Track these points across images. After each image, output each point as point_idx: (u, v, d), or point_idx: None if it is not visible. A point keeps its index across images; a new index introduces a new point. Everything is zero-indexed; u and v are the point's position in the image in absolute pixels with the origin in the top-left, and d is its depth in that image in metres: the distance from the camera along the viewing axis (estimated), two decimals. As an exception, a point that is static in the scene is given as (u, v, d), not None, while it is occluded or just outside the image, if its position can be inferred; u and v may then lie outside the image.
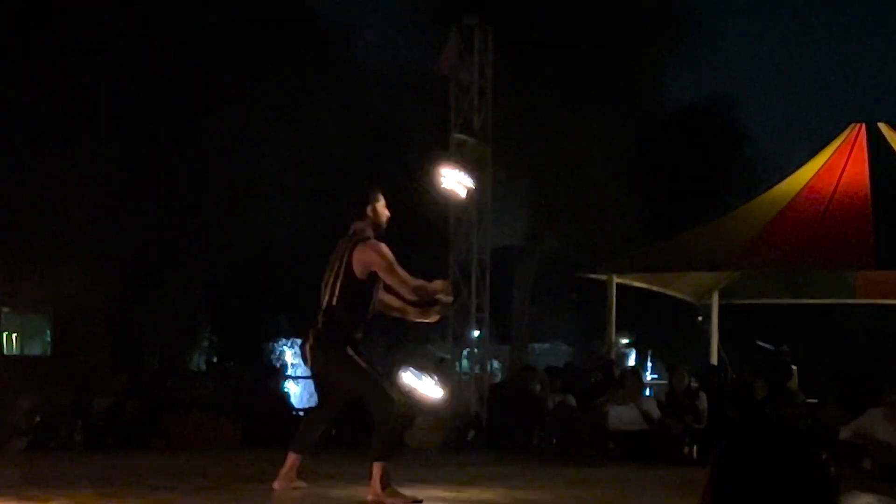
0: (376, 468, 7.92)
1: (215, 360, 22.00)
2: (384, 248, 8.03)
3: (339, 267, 8.01)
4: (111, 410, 13.91)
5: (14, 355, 18.29)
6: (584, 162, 19.61)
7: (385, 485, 7.90)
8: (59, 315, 17.92)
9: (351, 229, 8.12)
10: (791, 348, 16.89)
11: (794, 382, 15.72)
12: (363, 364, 7.99)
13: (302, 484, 8.40)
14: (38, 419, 13.54)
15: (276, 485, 8.28)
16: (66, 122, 16.08)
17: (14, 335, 18.49)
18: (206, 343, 24.49)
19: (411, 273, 8.10)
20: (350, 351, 7.96)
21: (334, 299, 7.99)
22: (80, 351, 17.45)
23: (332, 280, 8.03)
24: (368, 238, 8.03)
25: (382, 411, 7.88)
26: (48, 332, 18.30)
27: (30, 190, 15.73)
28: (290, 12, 18.72)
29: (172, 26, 16.93)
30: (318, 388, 10.05)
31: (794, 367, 16.14)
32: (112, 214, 16.41)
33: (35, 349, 18.65)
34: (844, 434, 11.19)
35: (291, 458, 8.29)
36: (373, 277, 8.04)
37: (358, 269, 7.98)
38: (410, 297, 8.16)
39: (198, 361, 23.51)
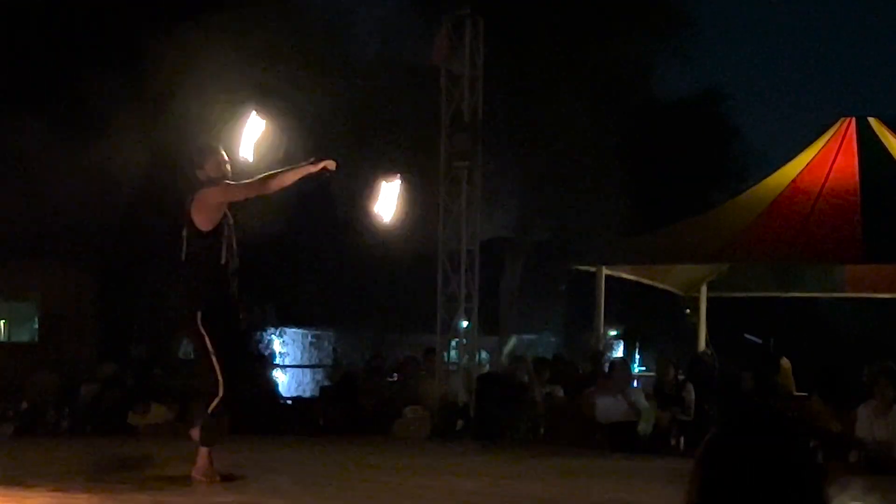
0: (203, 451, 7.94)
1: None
2: (218, 184, 7.79)
3: (182, 230, 7.78)
4: (98, 397, 13.88)
5: (1, 342, 18.27)
6: (574, 153, 19.60)
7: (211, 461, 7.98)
8: (47, 302, 17.88)
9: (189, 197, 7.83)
10: (779, 342, 16.88)
11: (788, 375, 15.63)
12: (209, 340, 7.73)
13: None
14: (25, 405, 13.52)
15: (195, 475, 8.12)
16: (53, 115, 16.00)
17: (2, 322, 18.45)
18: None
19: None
20: (199, 322, 7.70)
21: (182, 255, 7.78)
22: (67, 338, 17.40)
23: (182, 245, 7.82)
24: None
25: (209, 395, 7.82)
26: (36, 319, 18.25)
27: (16, 178, 15.66)
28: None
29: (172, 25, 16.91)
30: None
31: (786, 360, 15.98)
32: (100, 202, 16.34)
33: (22, 336, 18.60)
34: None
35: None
36: (220, 229, 7.76)
37: (200, 218, 7.72)
38: (273, 189, 7.99)
39: (186, 350, 23.45)
